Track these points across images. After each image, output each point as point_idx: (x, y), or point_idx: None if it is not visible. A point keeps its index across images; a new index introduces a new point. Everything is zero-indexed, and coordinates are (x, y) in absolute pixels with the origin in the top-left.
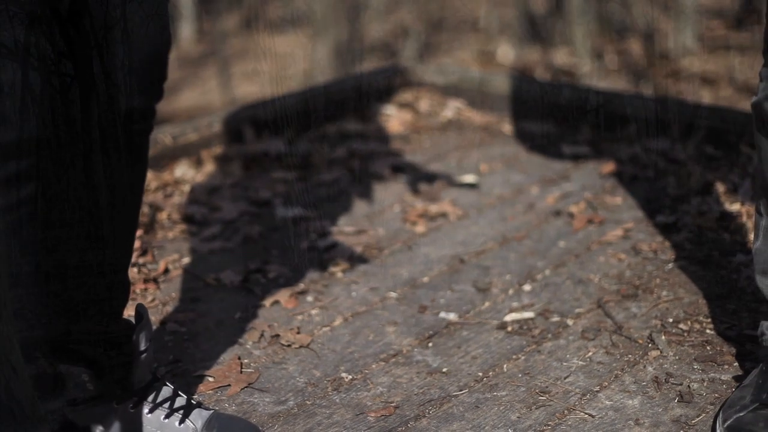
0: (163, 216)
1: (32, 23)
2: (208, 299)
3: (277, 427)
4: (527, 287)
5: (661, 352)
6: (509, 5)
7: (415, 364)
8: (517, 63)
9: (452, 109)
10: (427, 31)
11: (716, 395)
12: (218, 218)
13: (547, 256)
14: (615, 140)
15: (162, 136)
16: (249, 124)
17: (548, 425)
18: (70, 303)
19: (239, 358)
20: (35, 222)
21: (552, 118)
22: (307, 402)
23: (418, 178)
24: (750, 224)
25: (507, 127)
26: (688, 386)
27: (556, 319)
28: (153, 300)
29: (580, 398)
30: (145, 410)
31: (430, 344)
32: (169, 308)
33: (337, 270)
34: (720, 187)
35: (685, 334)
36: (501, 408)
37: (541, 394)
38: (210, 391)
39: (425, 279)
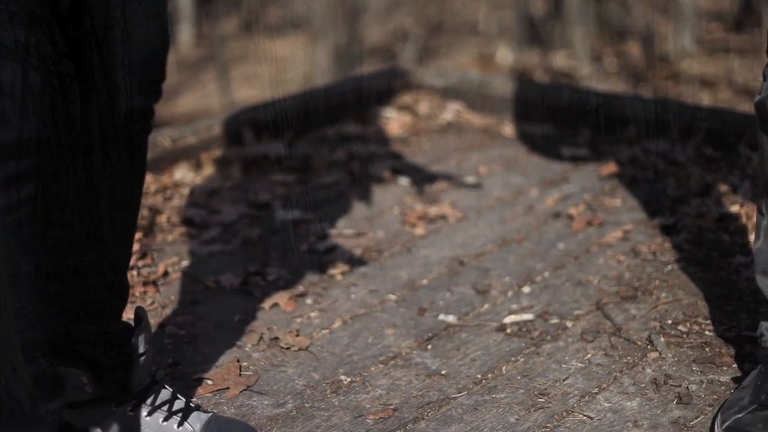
0: (162, 219)
1: (32, 23)
2: (207, 302)
3: (275, 430)
4: (526, 289)
5: (660, 353)
6: (508, 8)
7: (414, 366)
8: (516, 66)
9: (452, 111)
10: (426, 34)
11: (715, 397)
12: (218, 221)
13: (547, 257)
14: (614, 142)
15: (161, 139)
16: (248, 127)
17: (547, 427)
18: (70, 303)
19: (238, 361)
20: (35, 222)
21: (551, 120)
22: (306, 405)
23: (418, 180)
24: (750, 225)
25: (506, 130)
26: (687, 388)
27: (555, 320)
28: (152, 303)
29: (579, 400)
30: (144, 413)
31: (429, 346)
32: (168, 311)
33: (336, 272)
34: (719, 189)
35: (684, 336)
36: (500, 410)
37: (540, 396)
38: (209, 394)
39: (424, 281)
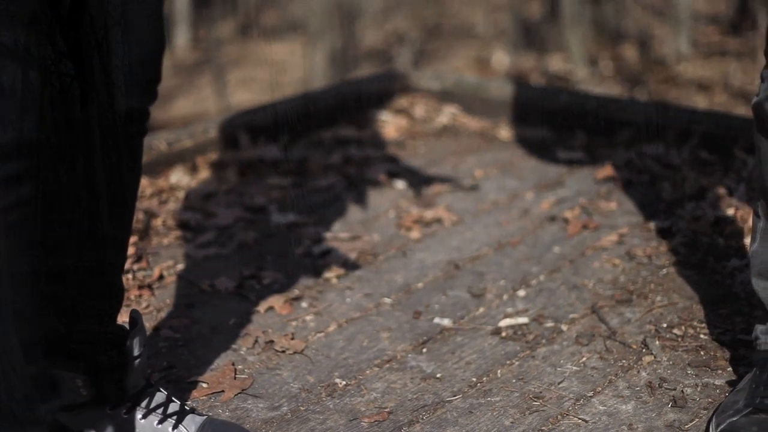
0: (157, 222)
1: (32, 23)
2: (202, 305)
3: None
4: (522, 293)
5: (654, 357)
6: (504, 12)
7: (409, 369)
8: (512, 69)
9: (447, 114)
10: (422, 37)
11: (710, 400)
12: (213, 224)
13: (542, 261)
14: (610, 145)
15: (157, 143)
16: (244, 131)
17: (542, 430)
18: (70, 303)
19: (233, 364)
20: (35, 222)
21: (547, 123)
22: (301, 408)
23: (414, 183)
24: (745, 229)
25: (502, 133)
26: (682, 391)
27: (550, 324)
28: (147, 306)
29: (574, 403)
30: (139, 416)
31: (425, 350)
32: (164, 314)
33: (331, 276)
34: (715, 192)
35: (679, 339)
36: (495, 413)
37: (535, 400)
38: (204, 397)
39: (420, 285)
